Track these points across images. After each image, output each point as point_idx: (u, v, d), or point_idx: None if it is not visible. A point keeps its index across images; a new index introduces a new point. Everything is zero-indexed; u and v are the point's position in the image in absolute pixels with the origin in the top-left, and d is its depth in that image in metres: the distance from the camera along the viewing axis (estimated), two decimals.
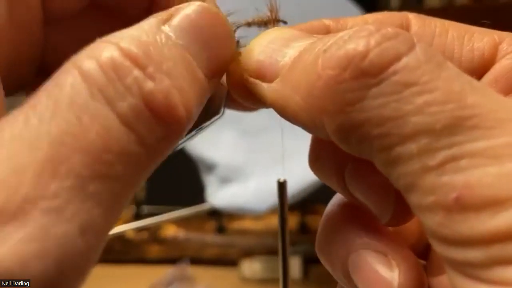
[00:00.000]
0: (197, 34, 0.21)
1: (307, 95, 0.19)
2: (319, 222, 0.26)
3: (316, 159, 0.25)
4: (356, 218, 0.24)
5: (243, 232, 1.09)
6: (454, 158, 0.17)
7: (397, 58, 0.18)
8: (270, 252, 1.05)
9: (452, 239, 0.17)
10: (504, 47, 0.23)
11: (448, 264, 0.18)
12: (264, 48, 0.22)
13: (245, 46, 0.23)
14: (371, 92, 0.18)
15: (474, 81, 0.18)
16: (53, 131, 0.17)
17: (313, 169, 0.26)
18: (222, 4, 0.23)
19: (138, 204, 1.14)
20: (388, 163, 0.18)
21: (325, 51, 0.19)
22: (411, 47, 0.18)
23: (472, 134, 0.17)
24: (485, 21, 0.25)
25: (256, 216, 1.03)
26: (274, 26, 0.26)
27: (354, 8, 0.88)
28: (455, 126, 0.17)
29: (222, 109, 0.26)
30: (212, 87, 0.22)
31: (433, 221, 0.17)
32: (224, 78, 0.25)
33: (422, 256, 0.27)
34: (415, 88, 0.18)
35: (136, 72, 0.18)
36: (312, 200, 1.00)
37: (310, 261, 1.02)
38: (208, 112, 0.26)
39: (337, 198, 0.26)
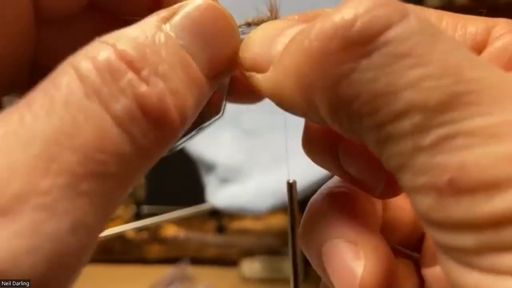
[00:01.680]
0: (199, 33, 0.20)
1: (297, 74, 0.19)
2: None
3: (310, 140, 0.25)
4: (335, 208, 0.24)
5: (243, 232, 1.09)
6: (449, 137, 0.16)
7: (388, 26, 0.17)
8: (270, 252, 1.05)
9: (444, 223, 0.16)
10: (497, 30, 0.23)
11: (440, 248, 0.17)
12: (259, 40, 0.22)
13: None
14: (361, 65, 0.17)
15: (473, 55, 0.17)
16: (47, 129, 0.17)
17: (307, 151, 0.25)
18: (223, 4, 0.23)
19: (138, 204, 1.14)
20: (379, 143, 0.17)
21: (312, 26, 0.18)
22: (404, 16, 0.17)
23: (468, 111, 0.16)
24: (482, 10, 0.25)
25: (256, 216, 1.03)
26: None
27: None
28: (451, 103, 0.16)
29: (222, 109, 0.26)
30: (213, 87, 0.22)
31: (424, 203, 0.16)
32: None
33: (416, 248, 0.27)
34: (408, 60, 0.16)
35: (131, 75, 0.18)
36: None
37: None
38: (208, 112, 0.26)
39: (322, 188, 0.26)
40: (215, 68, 0.21)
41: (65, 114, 0.17)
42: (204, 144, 0.90)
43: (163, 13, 0.21)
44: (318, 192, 0.26)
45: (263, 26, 0.23)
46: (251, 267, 1.03)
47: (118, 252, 1.10)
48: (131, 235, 1.09)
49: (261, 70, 0.21)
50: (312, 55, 0.18)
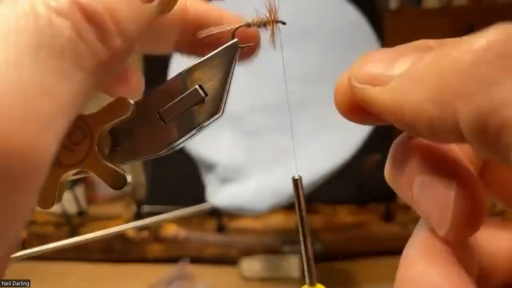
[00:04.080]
0: None
1: (437, 80, 0.18)
2: (318, 221, 0.26)
3: (393, 168, 0.25)
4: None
5: (243, 231, 1.09)
6: None
7: None
8: (270, 251, 1.05)
9: None
10: None
11: None
12: (377, 57, 0.22)
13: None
14: None
15: None
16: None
17: (388, 178, 0.26)
18: (222, 5, 0.24)
19: (139, 203, 1.14)
20: None
21: (457, 44, 0.18)
22: None
23: None
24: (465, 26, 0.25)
25: (256, 215, 1.03)
26: (272, 27, 0.26)
27: (351, 9, 0.88)
28: None
29: (222, 109, 0.27)
30: (152, 11, 0.23)
31: None
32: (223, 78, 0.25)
33: None
34: None
35: None
36: (311, 199, 1.00)
37: None
38: (207, 111, 0.26)
39: (417, 237, 0.25)
40: None
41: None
42: (204, 144, 0.90)
43: None
44: (411, 244, 0.25)
45: (368, 52, 0.23)
46: (251, 266, 1.03)
47: (118, 251, 1.10)
48: (131, 234, 1.10)
49: (379, 84, 0.21)
50: (462, 63, 0.18)
